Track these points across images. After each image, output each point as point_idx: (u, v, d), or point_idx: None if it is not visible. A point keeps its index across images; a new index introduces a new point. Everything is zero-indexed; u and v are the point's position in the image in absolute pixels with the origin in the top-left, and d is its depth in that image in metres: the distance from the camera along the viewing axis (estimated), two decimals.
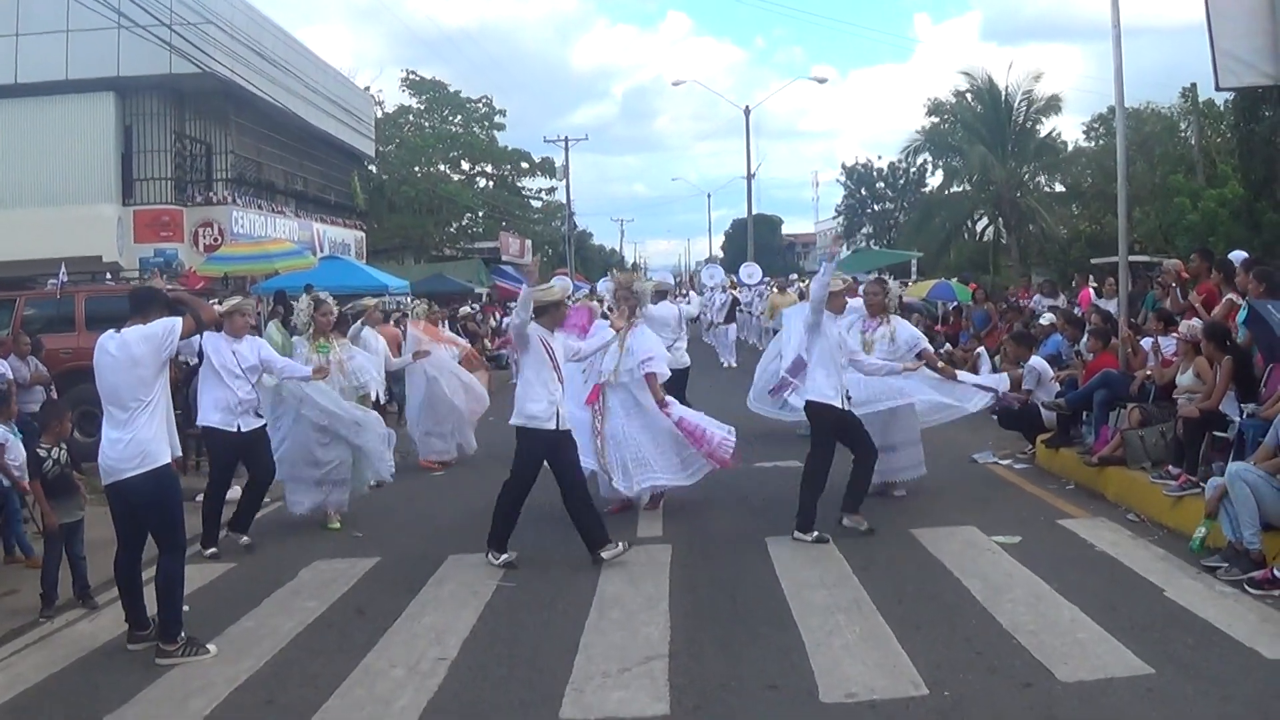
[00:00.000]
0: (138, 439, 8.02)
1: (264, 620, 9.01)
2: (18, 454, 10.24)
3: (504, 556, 10.43)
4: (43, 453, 9.45)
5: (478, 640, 8.26)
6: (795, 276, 25.18)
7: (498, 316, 37.29)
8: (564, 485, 10.62)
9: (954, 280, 33.13)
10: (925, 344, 13.08)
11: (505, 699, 7.05)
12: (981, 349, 21.94)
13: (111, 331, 8.23)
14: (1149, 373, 13.42)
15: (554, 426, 10.50)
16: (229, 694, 7.32)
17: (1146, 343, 14.28)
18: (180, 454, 8.86)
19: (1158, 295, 16.66)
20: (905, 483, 12.86)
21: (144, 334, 8.08)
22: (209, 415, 11.37)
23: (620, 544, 10.42)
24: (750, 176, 64.38)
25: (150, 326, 8.11)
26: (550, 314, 10.85)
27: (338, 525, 12.45)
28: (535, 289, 10.57)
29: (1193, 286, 14.72)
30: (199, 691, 7.36)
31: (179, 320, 8.20)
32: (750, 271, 42.62)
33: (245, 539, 11.61)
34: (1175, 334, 13.33)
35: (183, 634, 8.08)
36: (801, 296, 17.49)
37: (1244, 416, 10.86)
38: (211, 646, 8.17)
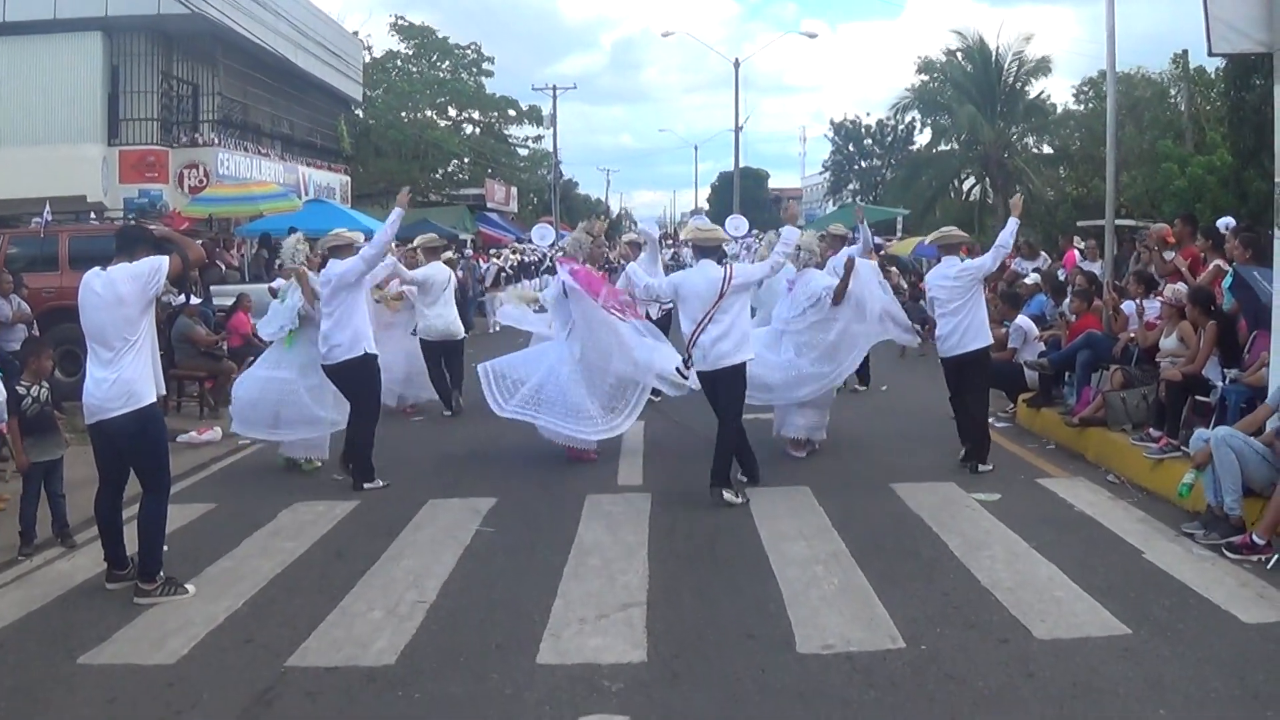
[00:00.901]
0: (123, 379, 7.95)
1: (243, 561, 9.01)
2: None
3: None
4: (22, 390, 9.39)
5: (456, 584, 8.27)
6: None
7: (480, 264, 37.08)
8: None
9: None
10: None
11: (482, 643, 7.05)
12: None
13: (97, 269, 8.13)
14: (1132, 335, 13.44)
15: None
16: (207, 634, 7.32)
17: (1127, 306, 14.32)
18: (165, 393, 8.79)
19: (1144, 259, 16.67)
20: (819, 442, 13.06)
21: (130, 273, 7.99)
22: (372, 343, 11.77)
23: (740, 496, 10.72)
24: (738, 130, 64.29)
25: (136, 265, 8.02)
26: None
27: (318, 465, 12.47)
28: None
29: (1176, 251, 14.74)
30: (177, 631, 7.35)
31: (165, 259, 8.10)
32: (737, 224, 42.17)
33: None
34: (1159, 297, 13.34)
35: (161, 573, 8.08)
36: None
37: (1226, 381, 10.90)
38: (190, 586, 8.16)
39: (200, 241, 13.09)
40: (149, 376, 8.14)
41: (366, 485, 11.49)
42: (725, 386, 10.80)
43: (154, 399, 8.19)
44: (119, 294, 7.93)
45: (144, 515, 8.23)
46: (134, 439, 8.10)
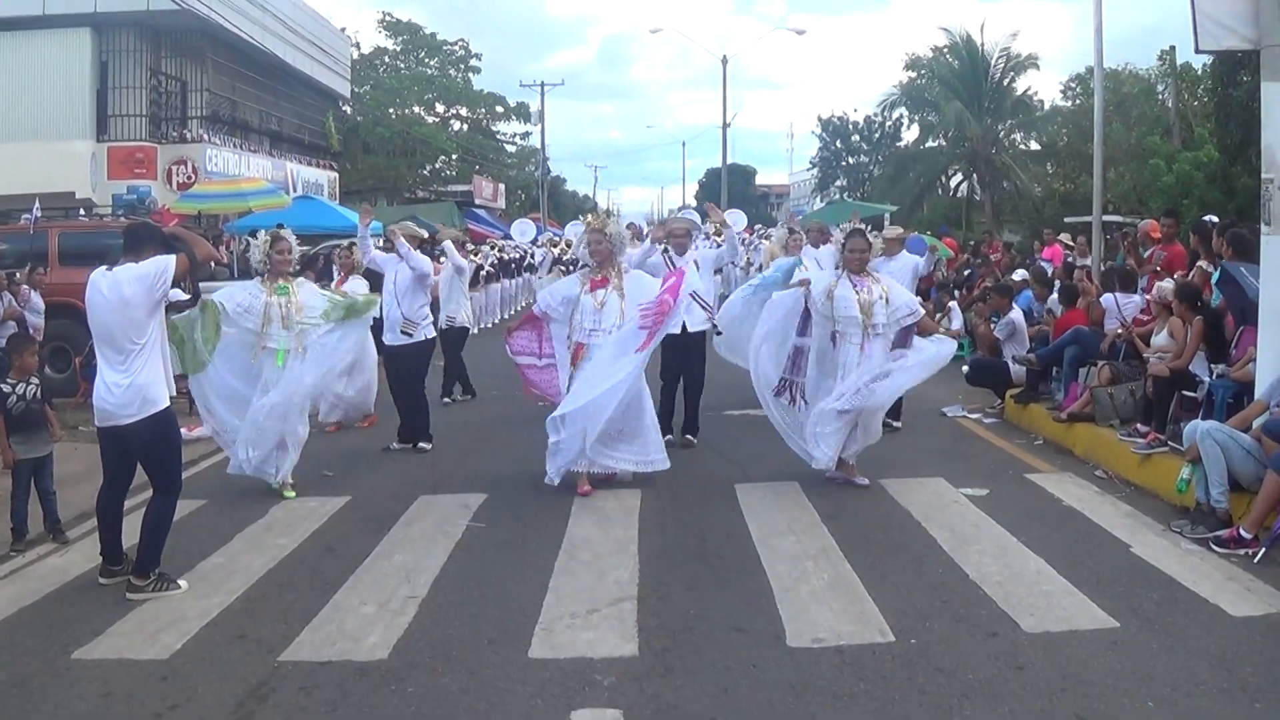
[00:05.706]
0: (136, 384, 7.88)
1: (235, 557, 9.02)
2: None
3: None
4: (6, 388, 9.36)
5: (447, 579, 8.29)
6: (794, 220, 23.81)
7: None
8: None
9: (928, 234, 33.23)
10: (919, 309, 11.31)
11: (474, 638, 7.08)
12: (953, 303, 22.02)
13: (104, 269, 8.02)
14: (1120, 331, 13.50)
15: None
16: (200, 628, 7.33)
17: (1107, 300, 14.42)
18: (175, 393, 8.61)
19: (1134, 255, 16.75)
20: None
21: (135, 274, 7.87)
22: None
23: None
24: (725, 126, 64.29)
25: (142, 266, 7.91)
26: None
27: (292, 494, 11.29)
28: None
29: (1155, 247, 14.84)
30: (170, 626, 7.37)
31: (172, 259, 7.98)
32: (736, 219, 41.42)
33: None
34: (1145, 294, 13.42)
35: (155, 570, 8.08)
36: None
37: (1213, 377, 10.96)
38: (182, 582, 8.16)
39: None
40: (161, 380, 8.08)
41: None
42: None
43: (168, 402, 8.13)
44: (124, 296, 7.82)
45: (152, 513, 8.21)
46: (147, 444, 8.07)
